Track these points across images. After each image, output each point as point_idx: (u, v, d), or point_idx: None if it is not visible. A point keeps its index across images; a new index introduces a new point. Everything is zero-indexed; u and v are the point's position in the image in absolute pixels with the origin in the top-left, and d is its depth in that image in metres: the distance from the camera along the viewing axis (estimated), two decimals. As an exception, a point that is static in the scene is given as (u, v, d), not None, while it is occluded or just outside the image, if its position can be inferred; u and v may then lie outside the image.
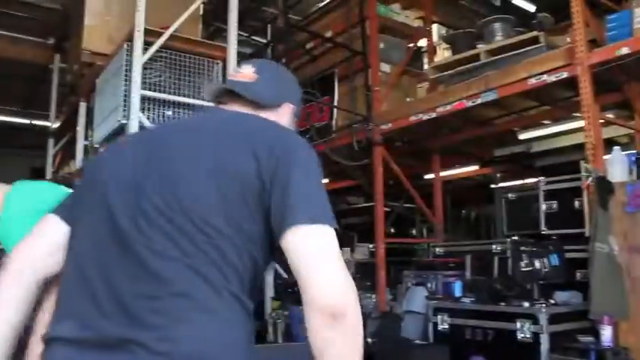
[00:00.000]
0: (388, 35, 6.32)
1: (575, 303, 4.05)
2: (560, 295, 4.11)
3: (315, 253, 1.17)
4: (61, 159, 7.85)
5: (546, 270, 4.27)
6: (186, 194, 1.22)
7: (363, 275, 6.25)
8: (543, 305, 3.82)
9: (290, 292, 7.04)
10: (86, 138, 6.35)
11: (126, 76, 4.65)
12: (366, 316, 5.20)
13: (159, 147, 1.34)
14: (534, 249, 4.58)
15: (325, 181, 8.32)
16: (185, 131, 1.41)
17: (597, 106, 4.04)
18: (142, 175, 1.28)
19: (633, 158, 3.90)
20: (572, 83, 4.21)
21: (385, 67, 6.12)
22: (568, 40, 4.29)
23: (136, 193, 1.26)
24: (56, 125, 8.10)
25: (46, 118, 8.90)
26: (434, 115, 5.17)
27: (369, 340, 4.97)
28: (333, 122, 6.26)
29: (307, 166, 1.28)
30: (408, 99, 6.08)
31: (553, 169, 7.18)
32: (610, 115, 5.02)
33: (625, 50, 3.77)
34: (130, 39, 4.63)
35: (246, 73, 1.61)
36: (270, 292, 7.15)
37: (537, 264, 4.27)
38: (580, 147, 4.23)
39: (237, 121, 1.44)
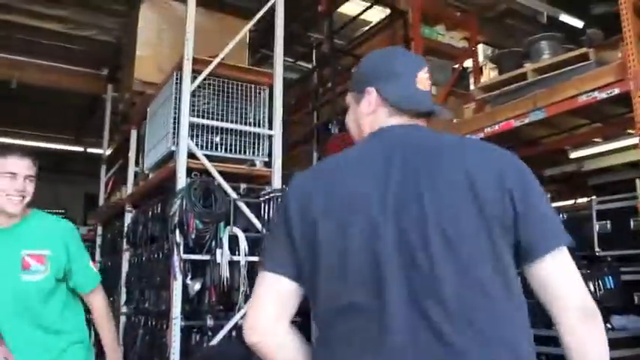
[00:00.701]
0: (433, 57, 6.30)
1: (634, 328, 3.89)
2: (618, 320, 3.95)
3: (570, 270, 1.37)
4: (112, 185, 8.07)
5: (601, 293, 4.13)
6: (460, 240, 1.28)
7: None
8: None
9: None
10: (137, 164, 6.51)
11: (175, 103, 4.77)
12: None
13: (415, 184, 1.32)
14: (588, 271, 4.44)
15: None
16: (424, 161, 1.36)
17: (651, 123, 3.91)
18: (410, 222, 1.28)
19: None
20: (624, 99, 4.09)
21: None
22: (619, 55, 4.19)
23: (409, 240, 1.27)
24: (108, 152, 8.35)
25: (99, 145, 9.20)
26: (481, 135, 5.10)
27: None
28: (379, 145, 6.24)
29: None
30: (454, 120, 6.02)
31: (607, 188, 6.98)
32: (666, 132, 4.85)
33: (679, 64, 3.65)
34: (179, 68, 4.76)
35: (427, 80, 1.53)
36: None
37: (591, 287, 4.13)
38: (635, 165, 4.10)
39: (459, 146, 1.43)
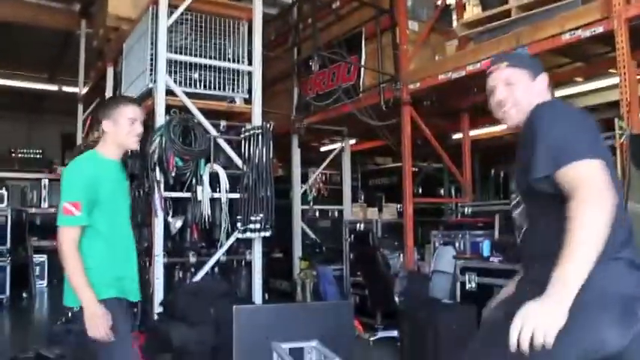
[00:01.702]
0: (416, -8, 6.18)
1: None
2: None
3: None
4: (90, 124, 7.96)
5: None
6: None
7: (390, 235, 6.27)
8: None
9: (318, 252, 7.12)
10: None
11: (152, 39, 4.66)
12: (393, 276, 5.23)
13: None
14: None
15: (352, 141, 8.29)
16: None
17: (634, 62, 3.90)
18: None
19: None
20: (607, 38, 4.07)
21: (413, 25, 5.99)
22: (604, -8, 4.13)
23: None
24: (85, 91, 8.18)
25: (74, 84, 8.99)
26: (463, 73, 5.06)
27: (397, 298, 5.01)
28: (361, 82, 6.20)
29: None
30: (436, 57, 5.97)
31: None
32: (646, 72, 4.85)
33: (665, 1, 3.62)
34: (154, 2, 4.62)
35: None
36: (298, 252, 7.24)
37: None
38: (615, 104, 4.11)
39: None
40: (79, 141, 8.27)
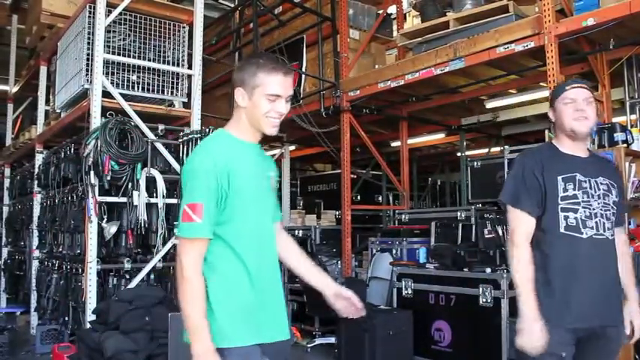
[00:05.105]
0: (358, 1, 6.26)
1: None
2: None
3: None
4: (20, 124, 7.67)
5: (509, 237, 4.36)
6: None
7: (329, 242, 6.30)
8: (505, 271, 3.91)
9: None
10: (47, 103, 6.20)
11: (89, 39, 4.54)
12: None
13: None
14: (498, 216, 4.67)
15: (292, 147, 8.30)
16: None
17: (563, 77, 4.07)
18: None
19: (595, 128, 3.96)
20: (539, 53, 4.24)
21: (354, 34, 6.07)
22: (537, 9, 4.31)
23: None
24: (15, 90, 7.88)
25: (4, 82, 8.63)
26: (402, 82, 5.16)
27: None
28: (301, 89, 6.22)
29: None
30: (376, 66, 6.05)
31: (518, 137, 7.29)
32: (574, 86, 5.06)
33: (591, 21, 3.80)
34: (92, 0, 4.50)
35: None
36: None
37: (500, 231, 4.35)
38: (545, 116, 4.28)
39: None
40: (8, 142, 7.95)
